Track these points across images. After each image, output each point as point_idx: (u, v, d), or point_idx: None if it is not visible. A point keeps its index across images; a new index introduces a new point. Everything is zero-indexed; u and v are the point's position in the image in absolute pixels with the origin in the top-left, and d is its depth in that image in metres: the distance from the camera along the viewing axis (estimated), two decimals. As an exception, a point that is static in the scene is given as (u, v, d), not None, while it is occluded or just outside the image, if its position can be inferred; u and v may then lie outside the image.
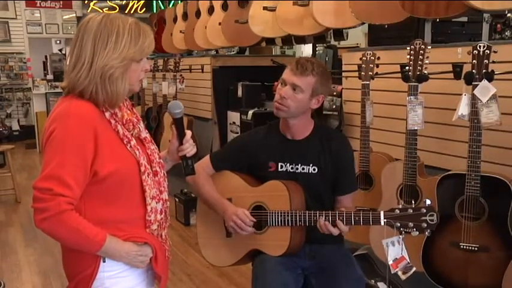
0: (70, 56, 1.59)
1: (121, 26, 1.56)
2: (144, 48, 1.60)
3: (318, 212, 2.08)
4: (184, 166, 1.85)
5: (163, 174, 1.75)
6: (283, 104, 2.16)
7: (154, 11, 8.13)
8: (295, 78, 2.14)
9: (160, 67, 5.74)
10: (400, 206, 1.94)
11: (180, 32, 5.73)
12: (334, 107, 3.50)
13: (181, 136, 1.84)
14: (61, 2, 10.63)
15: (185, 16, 5.71)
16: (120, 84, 1.57)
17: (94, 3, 10.47)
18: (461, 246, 2.27)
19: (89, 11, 10.27)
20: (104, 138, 1.55)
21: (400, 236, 2.01)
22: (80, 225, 1.51)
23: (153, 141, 1.78)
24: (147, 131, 1.78)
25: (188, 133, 1.85)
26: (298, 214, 2.11)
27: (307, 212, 2.11)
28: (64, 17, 10.68)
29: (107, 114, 1.60)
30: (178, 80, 5.34)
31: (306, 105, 2.19)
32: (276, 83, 2.27)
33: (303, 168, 2.24)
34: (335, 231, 2.05)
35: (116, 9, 10.22)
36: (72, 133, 1.50)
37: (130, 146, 1.62)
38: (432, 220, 1.88)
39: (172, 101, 1.85)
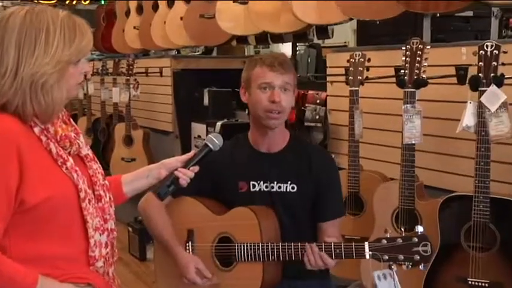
0: None
1: (51, 23, 1.53)
2: (81, 47, 1.58)
3: (292, 243, 2.06)
4: (163, 185, 1.92)
5: (109, 198, 1.73)
6: (281, 111, 2.17)
7: (102, 2, 8.06)
8: (283, 77, 2.16)
9: (110, 70, 5.69)
10: (388, 235, 1.94)
11: (134, 28, 5.69)
12: (317, 117, 3.51)
13: (192, 162, 1.96)
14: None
15: (140, 9, 5.68)
16: (57, 93, 1.54)
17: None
18: (469, 282, 2.27)
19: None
20: (32, 160, 1.51)
21: (393, 268, 2.00)
22: (3, 267, 1.47)
23: (96, 159, 1.75)
24: (89, 147, 1.75)
25: (197, 168, 1.96)
26: (270, 246, 2.09)
27: (280, 243, 2.09)
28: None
29: (36, 130, 1.56)
30: (132, 86, 5.29)
31: (291, 105, 2.24)
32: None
33: (279, 187, 2.23)
34: (330, 264, 2.04)
35: (53, -1, 10.05)
36: None
37: (67, 168, 1.59)
38: (426, 251, 1.88)
39: (217, 134, 2.06)
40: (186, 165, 1.96)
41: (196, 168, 1.96)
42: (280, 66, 2.16)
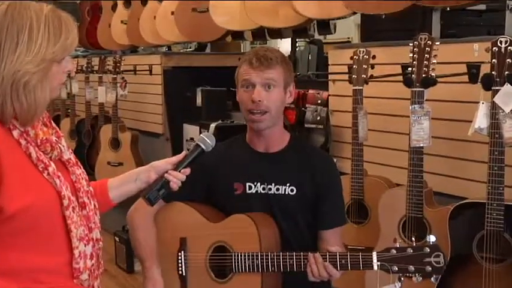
0: None
1: (34, 19, 1.53)
2: (66, 45, 1.58)
3: (294, 253, 2.06)
4: (152, 189, 1.92)
5: (94, 205, 1.73)
6: (262, 110, 2.15)
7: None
8: (264, 74, 2.15)
9: (96, 68, 5.69)
10: (397, 245, 1.94)
11: (122, 22, 5.70)
12: (318, 118, 3.50)
13: (183, 164, 1.96)
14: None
15: (128, 3, 5.69)
16: (40, 94, 1.54)
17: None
18: (482, 296, 2.27)
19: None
20: (11, 165, 1.51)
21: (397, 284, 2.00)
22: None
23: (79, 164, 1.75)
24: (71, 150, 1.75)
25: (188, 170, 1.95)
26: (270, 256, 2.09)
27: (280, 253, 2.08)
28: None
29: (15, 133, 1.56)
30: (119, 85, 5.30)
31: (283, 102, 2.23)
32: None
33: (278, 189, 2.23)
34: (335, 275, 2.04)
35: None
36: None
37: (48, 174, 1.59)
38: (438, 262, 1.88)
39: (209, 134, 2.05)
40: (177, 167, 1.95)
41: (188, 171, 1.96)
42: (259, 63, 2.15)
